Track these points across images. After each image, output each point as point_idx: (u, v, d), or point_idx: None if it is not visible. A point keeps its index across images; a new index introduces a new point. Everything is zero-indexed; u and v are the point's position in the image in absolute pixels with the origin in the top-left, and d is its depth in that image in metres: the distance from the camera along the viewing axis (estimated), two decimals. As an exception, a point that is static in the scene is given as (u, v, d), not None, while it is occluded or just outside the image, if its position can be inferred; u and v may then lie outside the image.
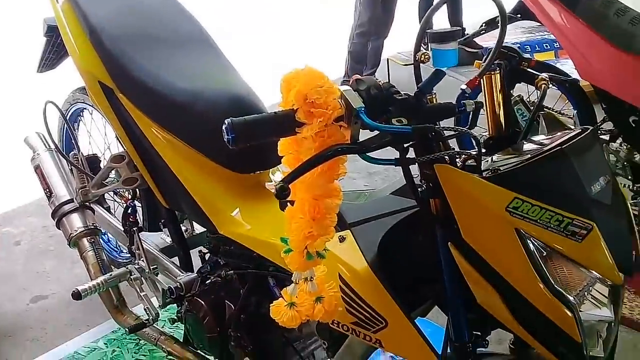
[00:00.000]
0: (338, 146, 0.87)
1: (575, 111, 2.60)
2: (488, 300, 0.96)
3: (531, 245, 0.89)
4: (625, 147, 2.48)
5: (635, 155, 2.44)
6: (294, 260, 0.99)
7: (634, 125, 2.45)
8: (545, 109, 2.66)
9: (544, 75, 1.13)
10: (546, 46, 4.95)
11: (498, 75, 1.12)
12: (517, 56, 1.16)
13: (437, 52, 0.96)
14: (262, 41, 5.71)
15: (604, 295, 0.98)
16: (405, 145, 0.98)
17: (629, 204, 1.02)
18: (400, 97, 0.93)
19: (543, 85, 1.12)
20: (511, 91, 1.22)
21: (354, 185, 3.12)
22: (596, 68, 2.41)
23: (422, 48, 0.96)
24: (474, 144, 0.93)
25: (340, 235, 1.18)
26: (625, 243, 0.96)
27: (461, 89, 1.00)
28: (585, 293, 0.95)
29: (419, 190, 0.99)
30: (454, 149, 0.96)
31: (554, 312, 0.90)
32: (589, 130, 1.00)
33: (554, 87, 2.69)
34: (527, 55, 4.57)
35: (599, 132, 2.53)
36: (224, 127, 0.87)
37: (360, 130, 0.91)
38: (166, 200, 1.65)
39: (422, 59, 0.99)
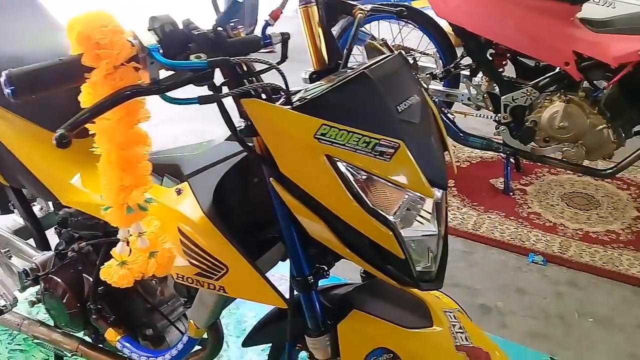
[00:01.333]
0: (129, 88, 0.82)
1: (436, 49, 2.69)
2: (317, 230, 0.97)
3: (344, 169, 0.89)
4: (485, 80, 2.60)
5: (495, 88, 2.57)
6: (114, 217, 0.95)
7: (491, 58, 2.58)
8: (409, 50, 2.72)
9: (361, 5, 1.13)
10: (422, -7, 5.07)
11: (315, 7, 1.10)
12: (335, -13, 1.14)
13: (230, -18, 0.93)
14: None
15: (428, 212, 1.01)
16: (219, 84, 0.94)
17: (441, 123, 1.05)
18: (198, 33, 0.89)
19: (359, 15, 1.11)
20: (334, 23, 1.20)
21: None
22: (450, 6, 2.49)
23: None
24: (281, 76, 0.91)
25: (177, 189, 1.15)
26: (437, 159, 0.98)
27: (265, 20, 0.98)
28: (410, 210, 0.98)
29: (239, 129, 0.97)
30: (269, 83, 0.93)
31: (373, 231, 0.92)
32: (395, 54, 1.01)
33: (416, 28, 2.76)
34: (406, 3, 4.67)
35: (460, 67, 2.64)
36: (1, 80, 0.79)
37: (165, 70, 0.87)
38: (5, 177, 1.53)
39: (216, -9, 0.95)
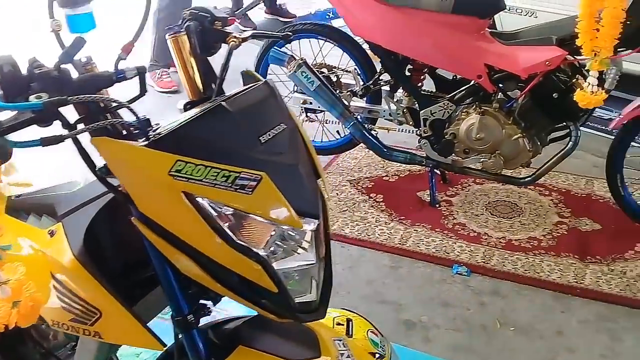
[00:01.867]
0: (-43, 134, 0.78)
1: (355, 66, 2.71)
2: (187, 268, 0.93)
3: (206, 205, 0.87)
4: (404, 95, 2.63)
5: (415, 103, 2.60)
6: (-35, 268, 0.89)
7: (409, 73, 2.61)
8: (332, 68, 2.73)
9: (236, 33, 1.11)
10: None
11: (185, 37, 1.08)
12: (209, 16, 1.12)
13: (70, 17, 0.89)
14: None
15: (307, 241, 0.99)
16: (73, 121, 0.91)
17: (313, 151, 1.03)
18: (40, 72, 0.85)
19: (232, 43, 1.10)
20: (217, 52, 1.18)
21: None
22: (365, 24, 2.51)
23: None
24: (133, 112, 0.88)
25: (50, 230, 1.10)
26: (307, 189, 0.97)
27: (118, 55, 0.95)
28: (287, 241, 0.96)
29: (99, 167, 0.92)
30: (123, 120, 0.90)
31: (242, 267, 0.90)
32: (260, 82, 1.00)
33: (337, 46, 2.77)
34: (283, 18, 4.64)
35: (380, 84, 2.65)
36: None
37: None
38: None
39: (54, 28, 0.91)
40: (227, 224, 0.90)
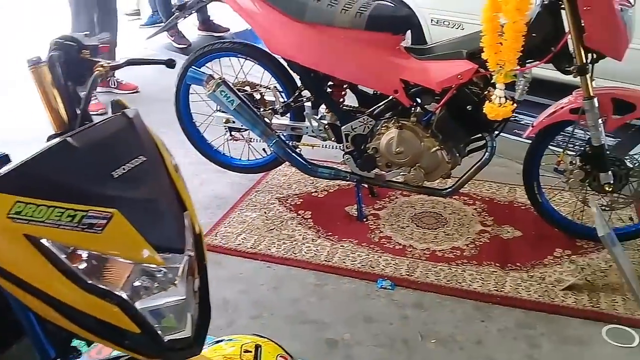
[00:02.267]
0: None
1: (276, 83, 2.70)
2: (44, 311, 0.89)
3: (51, 247, 0.83)
4: (327, 112, 2.64)
5: (337, 120, 2.60)
6: None
7: (330, 89, 2.62)
8: (255, 86, 2.71)
9: (104, 62, 1.08)
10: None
11: (45, 68, 1.04)
12: (76, 45, 1.09)
13: None
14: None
15: (180, 277, 0.96)
16: None
17: (180, 181, 1.00)
18: None
19: (97, 72, 1.07)
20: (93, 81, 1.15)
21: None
22: (282, 42, 2.51)
23: None
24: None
25: None
26: (169, 223, 0.94)
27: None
28: (157, 277, 0.93)
29: None
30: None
31: (96, 309, 0.86)
32: (116, 115, 0.97)
33: (257, 64, 2.76)
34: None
35: (301, 101, 2.65)
36: None
37: None
38: None
39: None
40: (82, 265, 0.86)
